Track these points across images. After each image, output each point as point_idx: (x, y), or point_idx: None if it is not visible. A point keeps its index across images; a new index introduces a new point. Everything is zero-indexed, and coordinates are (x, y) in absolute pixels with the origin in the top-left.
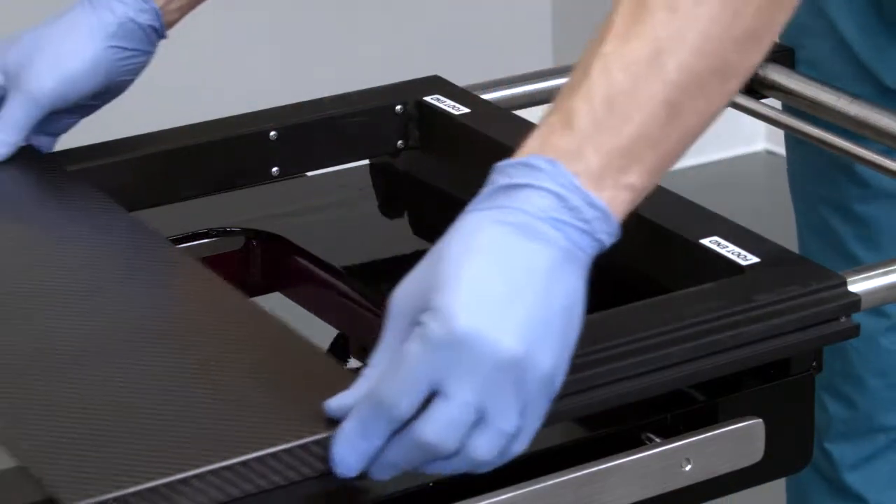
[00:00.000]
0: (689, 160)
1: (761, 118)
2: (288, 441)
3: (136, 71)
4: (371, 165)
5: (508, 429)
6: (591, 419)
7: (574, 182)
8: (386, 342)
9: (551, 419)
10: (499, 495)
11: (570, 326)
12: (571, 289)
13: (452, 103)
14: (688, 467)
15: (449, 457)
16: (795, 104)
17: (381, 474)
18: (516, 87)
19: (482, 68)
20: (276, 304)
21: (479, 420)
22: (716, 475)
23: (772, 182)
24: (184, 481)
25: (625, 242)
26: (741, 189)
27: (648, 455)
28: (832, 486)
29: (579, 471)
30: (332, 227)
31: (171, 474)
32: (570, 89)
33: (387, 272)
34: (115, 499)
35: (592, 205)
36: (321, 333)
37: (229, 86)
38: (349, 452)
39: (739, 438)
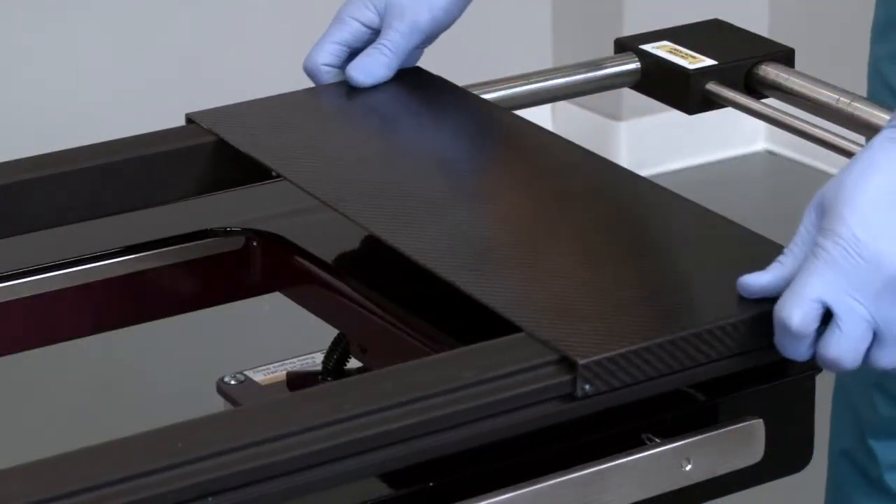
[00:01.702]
0: (689, 160)
1: (761, 118)
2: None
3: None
4: None
5: None
6: (590, 419)
7: None
8: (801, 233)
9: (551, 419)
10: (499, 495)
11: None
12: None
13: None
14: (688, 467)
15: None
16: (795, 104)
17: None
18: (516, 87)
19: (482, 68)
20: (276, 304)
21: (876, 335)
22: (716, 475)
23: (772, 182)
24: (663, 344)
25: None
26: (741, 189)
27: (648, 455)
28: (872, 484)
29: (579, 471)
30: (332, 227)
31: (651, 338)
32: None
33: (387, 272)
34: (620, 355)
35: None
36: (321, 333)
37: (230, 85)
38: (793, 350)
39: (739, 438)
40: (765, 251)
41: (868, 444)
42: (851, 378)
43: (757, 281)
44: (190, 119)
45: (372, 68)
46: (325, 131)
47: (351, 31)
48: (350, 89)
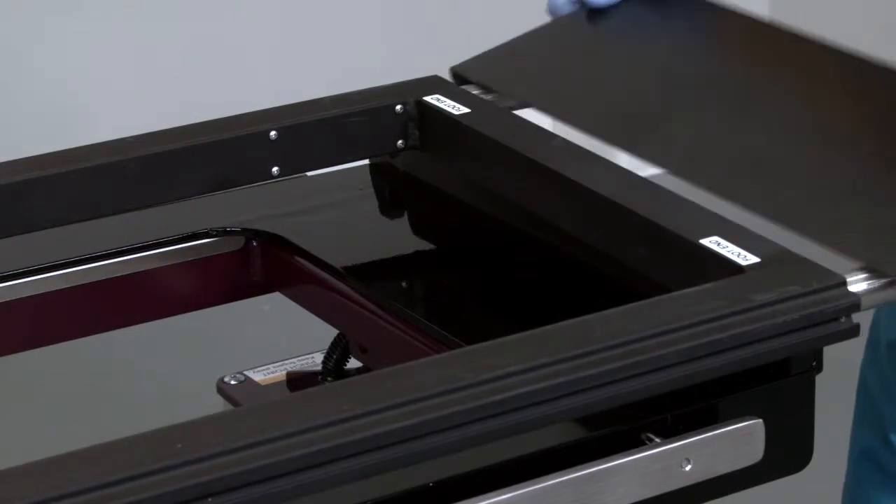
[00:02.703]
0: None
1: None
2: None
3: None
4: (371, 165)
5: None
6: (590, 419)
7: None
8: None
9: (551, 419)
10: (499, 495)
11: None
12: None
13: (452, 103)
14: (688, 467)
15: None
16: None
17: None
18: None
19: None
20: (276, 304)
21: None
22: (716, 475)
23: None
24: None
25: (625, 242)
26: None
27: (648, 455)
28: (890, 479)
29: (579, 471)
30: (332, 227)
31: None
32: None
33: (387, 272)
34: None
35: None
36: (321, 333)
37: (230, 86)
38: None
39: (739, 438)
40: None
41: (890, 440)
42: (874, 378)
43: None
44: (455, 73)
45: None
46: (588, 62)
47: None
48: (590, 15)
